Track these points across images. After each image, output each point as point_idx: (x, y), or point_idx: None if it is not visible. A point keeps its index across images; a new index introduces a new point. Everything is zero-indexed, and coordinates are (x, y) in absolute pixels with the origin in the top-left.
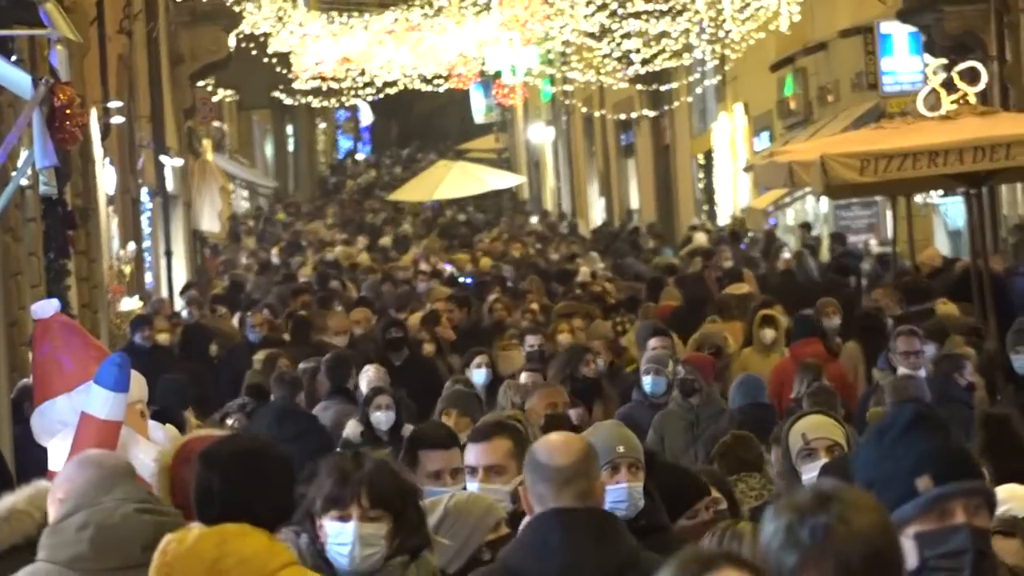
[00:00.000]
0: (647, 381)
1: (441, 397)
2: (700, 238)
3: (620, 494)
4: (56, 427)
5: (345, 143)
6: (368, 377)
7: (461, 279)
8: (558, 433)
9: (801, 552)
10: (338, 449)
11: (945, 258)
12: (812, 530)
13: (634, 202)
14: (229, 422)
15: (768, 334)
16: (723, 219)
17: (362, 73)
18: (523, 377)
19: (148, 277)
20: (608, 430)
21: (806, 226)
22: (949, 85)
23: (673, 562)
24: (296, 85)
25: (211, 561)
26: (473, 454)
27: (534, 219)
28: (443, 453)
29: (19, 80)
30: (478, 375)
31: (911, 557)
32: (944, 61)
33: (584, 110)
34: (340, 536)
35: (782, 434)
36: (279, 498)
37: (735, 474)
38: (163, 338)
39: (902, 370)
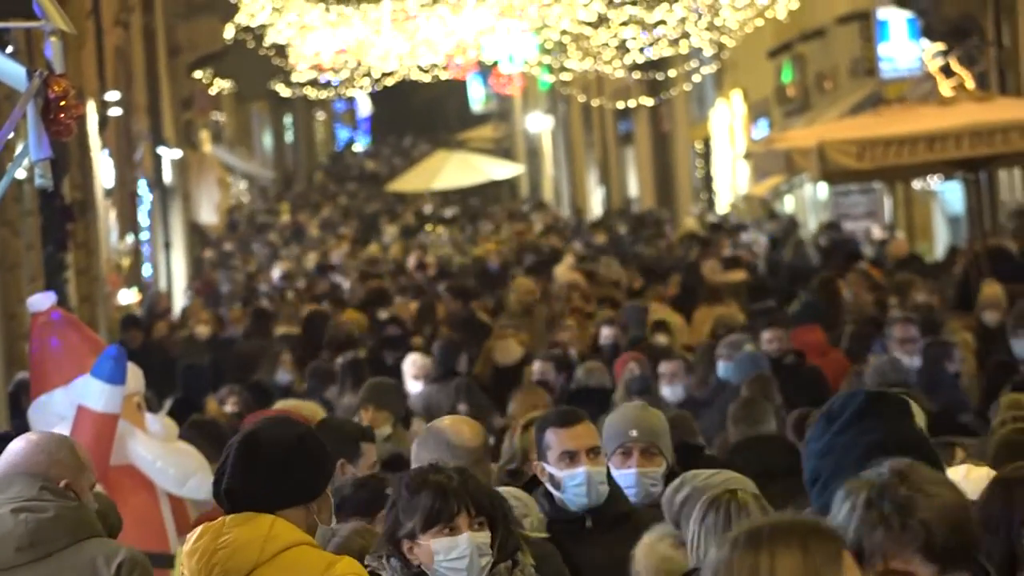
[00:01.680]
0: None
1: (361, 390)
2: (690, 223)
3: (630, 479)
4: (54, 420)
5: (343, 134)
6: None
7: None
8: (461, 417)
9: (885, 525)
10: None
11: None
12: (895, 502)
13: (633, 190)
14: (228, 408)
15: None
16: (722, 207)
17: (359, 64)
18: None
19: (147, 269)
20: (625, 413)
21: (772, 216)
22: (947, 70)
23: (754, 533)
24: (294, 76)
25: (210, 553)
26: (565, 438)
27: (528, 210)
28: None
29: (14, 72)
30: None
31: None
32: (942, 46)
33: (582, 99)
34: (454, 551)
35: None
36: (279, 481)
37: None
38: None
39: (899, 357)
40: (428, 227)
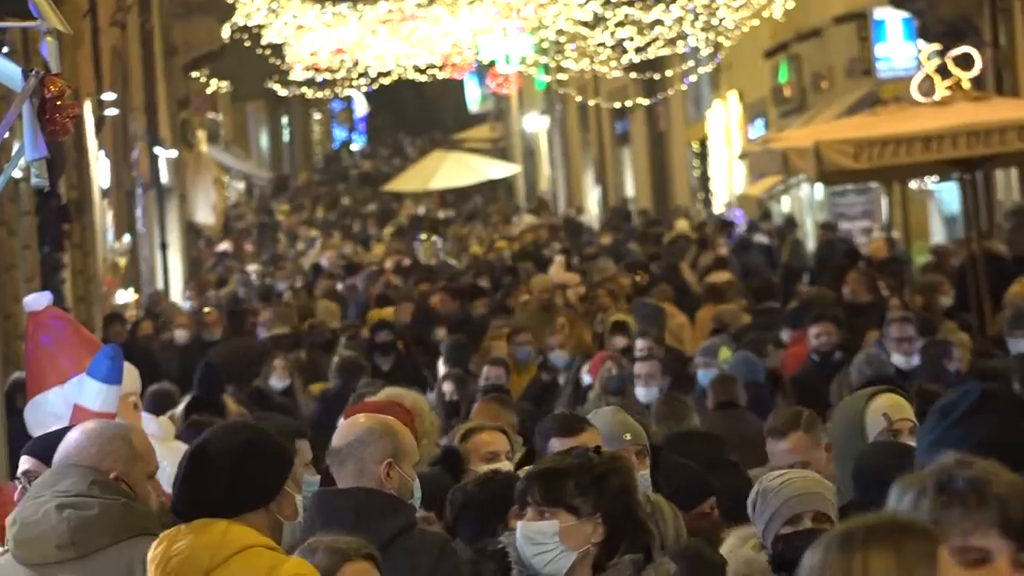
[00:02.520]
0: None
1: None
2: (682, 225)
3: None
4: (49, 420)
5: (340, 134)
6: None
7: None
8: (356, 416)
9: (961, 502)
10: None
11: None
12: (968, 481)
13: (629, 190)
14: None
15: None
16: (718, 207)
17: (356, 63)
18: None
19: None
20: (611, 416)
21: (766, 216)
22: (943, 71)
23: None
24: (290, 76)
25: (166, 560)
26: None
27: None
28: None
29: (10, 72)
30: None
31: None
32: (938, 47)
33: (579, 99)
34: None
35: (848, 411)
36: (230, 489)
37: None
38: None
39: (896, 357)
40: (423, 236)
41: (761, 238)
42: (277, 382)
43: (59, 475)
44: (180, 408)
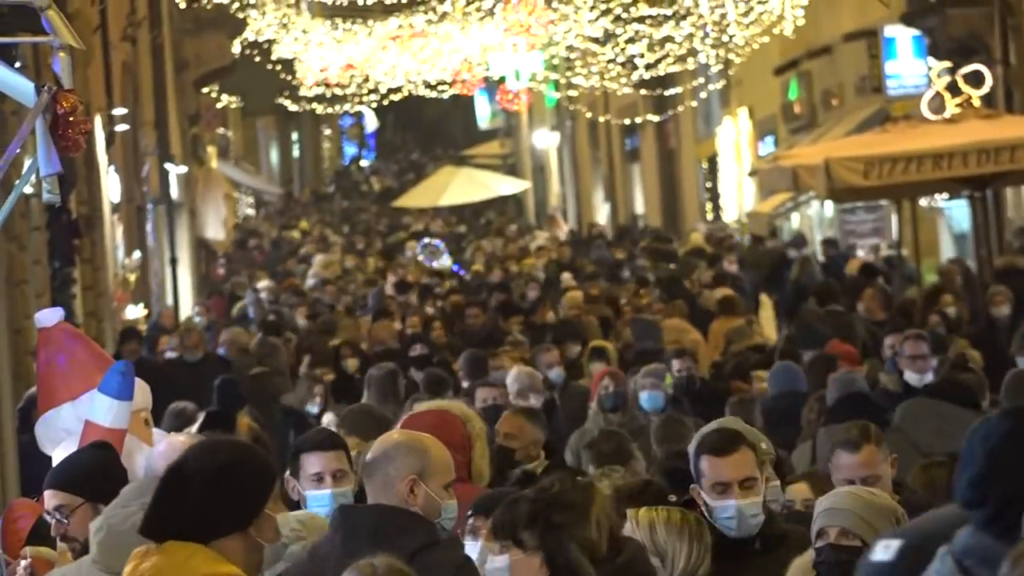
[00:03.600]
0: (644, 396)
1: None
2: (697, 238)
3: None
4: (61, 435)
5: (350, 150)
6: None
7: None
8: (390, 433)
9: None
10: None
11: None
12: None
13: (639, 207)
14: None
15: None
16: (728, 223)
17: (366, 79)
18: None
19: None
20: (739, 428)
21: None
22: (953, 88)
23: None
24: (301, 92)
25: None
26: (719, 468)
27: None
28: (325, 455)
29: (22, 87)
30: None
31: None
32: (948, 64)
33: (589, 115)
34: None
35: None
36: (203, 513)
37: (600, 467)
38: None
39: (909, 374)
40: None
41: (791, 252)
42: (313, 407)
43: (148, 486)
44: (196, 425)
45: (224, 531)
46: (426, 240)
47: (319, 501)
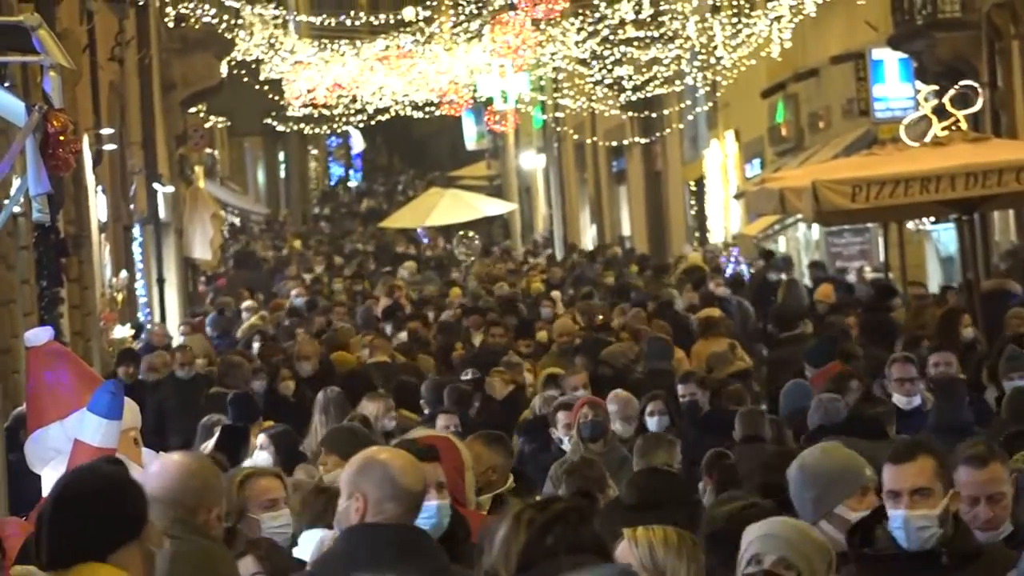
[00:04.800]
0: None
1: (324, 436)
2: (695, 257)
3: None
4: (50, 454)
5: (337, 170)
6: None
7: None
8: (410, 456)
9: None
10: None
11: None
12: None
13: (626, 229)
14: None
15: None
16: (716, 245)
17: (354, 100)
18: None
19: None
20: (847, 452)
21: (770, 254)
22: (940, 112)
23: None
24: (288, 112)
25: None
26: (893, 475)
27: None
28: (428, 466)
29: (12, 107)
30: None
31: None
32: (935, 87)
33: (575, 137)
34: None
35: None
36: (90, 531)
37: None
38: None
39: (897, 397)
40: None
41: (772, 275)
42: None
43: None
44: (213, 440)
45: (121, 542)
46: (461, 232)
47: (426, 512)
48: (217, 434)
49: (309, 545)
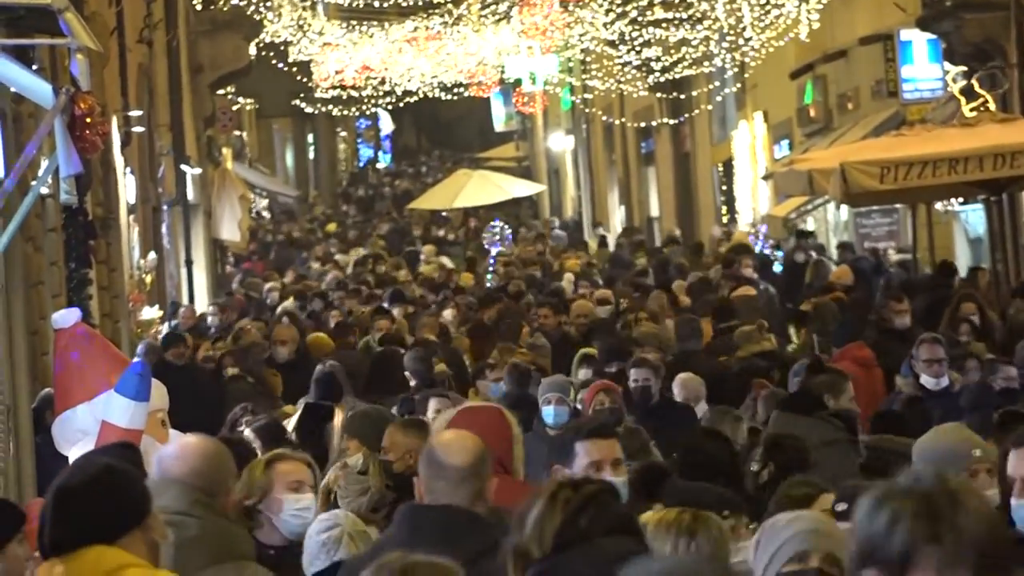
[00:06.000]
0: (548, 411)
1: (344, 422)
2: (740, 236)
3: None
4: (77, 436)
5: (366, 152)
6: None
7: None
8: (456, 432)
9: (938, 541)
10: None
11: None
12: (948, 520)
13: (654, 210)
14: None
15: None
16: (743, 227)
17: (382, 82)
18: None
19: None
20: (958, 433)
21: (804, 234)
22: (969, 92)
23: None
24: (316, 94)
25: None
26: (1014, 461)
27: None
28: (603, 443)
29: (40, 89)
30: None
31: None
32: (964, 68)
33: (604, 118)
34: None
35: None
36: (93, 520)
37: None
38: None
39: (926, 378)
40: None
41: (799, 256)
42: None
43: (160, 488)
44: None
45: (123, 528)
46: (494, 224)
47: None
48: (300, 410)
49: None
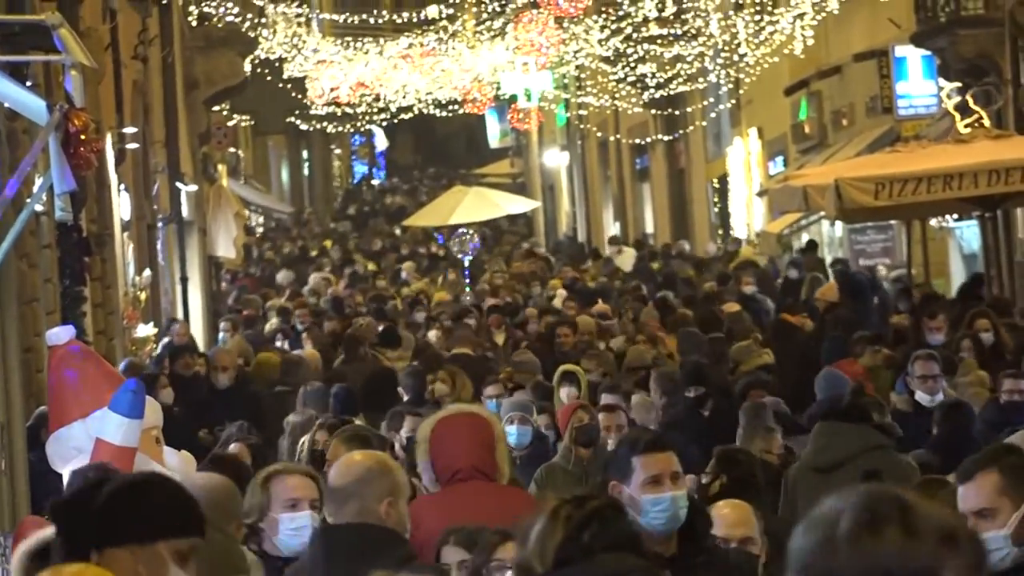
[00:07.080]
0: (511, 431)
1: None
2: (747, 251)
3: None
4: (71, 453)
5: (360, 168)
6: None
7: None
8: (362, 453)
9: None
10: None
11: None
12: None
13: (649, 226)
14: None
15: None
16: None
17: (377, 99)
18: None
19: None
20: None
21: (807, 249)
22: (964, 109)
23: None
24: (311, 111)
25: None
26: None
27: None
28: (660, 456)
29: (34, 106)
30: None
31: None
32: (958, 85)
33: (599, 134)
34: None
35: None
36: (101, 513)
37: None
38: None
39: (920, 395)
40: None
41: (792, 272)
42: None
43: None
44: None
45: (115, 541)
46: (460, 231)
47: (660, 504)
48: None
49: None
